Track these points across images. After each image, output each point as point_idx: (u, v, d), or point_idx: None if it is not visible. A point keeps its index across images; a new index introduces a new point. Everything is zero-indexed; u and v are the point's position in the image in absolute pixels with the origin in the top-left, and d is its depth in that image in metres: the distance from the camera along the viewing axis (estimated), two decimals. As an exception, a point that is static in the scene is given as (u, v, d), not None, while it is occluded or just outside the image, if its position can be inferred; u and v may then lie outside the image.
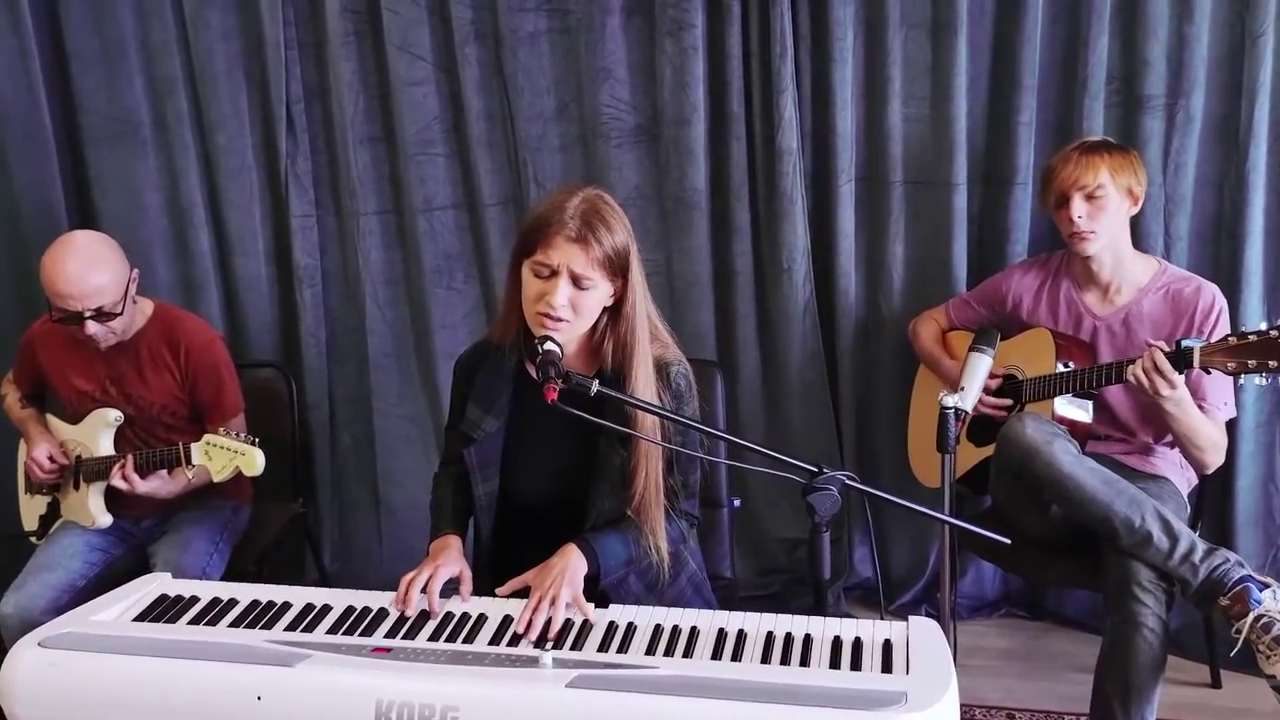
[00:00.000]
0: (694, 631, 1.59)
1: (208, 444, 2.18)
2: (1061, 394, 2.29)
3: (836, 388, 2.91)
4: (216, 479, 2.19)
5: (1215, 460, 2.26)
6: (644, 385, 1.75)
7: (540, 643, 1.57)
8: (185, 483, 2.31)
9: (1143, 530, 2.04)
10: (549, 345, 1.64)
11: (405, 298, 3.08)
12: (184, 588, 1.79)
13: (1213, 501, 2.60)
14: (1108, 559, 2.10)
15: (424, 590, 1.70)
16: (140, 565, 2.39)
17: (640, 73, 2.80)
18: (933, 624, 1.58)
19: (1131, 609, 2.03)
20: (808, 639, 1.56)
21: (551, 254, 1.67)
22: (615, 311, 1.77)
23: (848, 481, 1.55)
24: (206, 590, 1.78)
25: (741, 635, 1.58)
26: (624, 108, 2.81)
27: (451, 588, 1.74)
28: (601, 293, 1.73)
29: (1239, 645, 1.96)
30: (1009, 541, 1.62)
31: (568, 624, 1.62)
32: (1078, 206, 2.26)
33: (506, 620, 1.65)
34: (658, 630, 1.60)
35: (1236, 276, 2.53)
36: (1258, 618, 1.93)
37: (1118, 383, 2.19)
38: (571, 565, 1.72)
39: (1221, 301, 2.27)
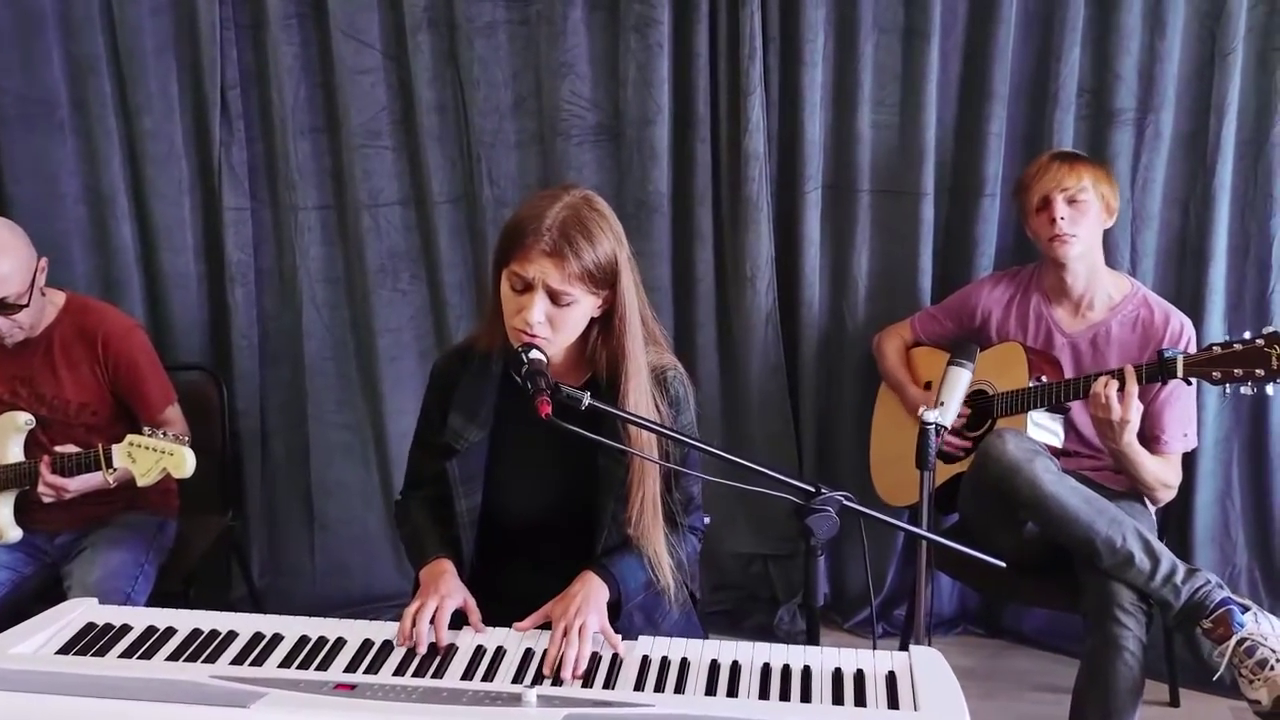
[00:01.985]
0: (684, 664, 1.48)
1: (130, 445, 2.04)
2: (1035, 408, 2.25)
3: (797, 400, 2.84)
4: (142, 483, 2.04)
5: (1164, 497, 2.27)
6: (638, 396, 1.64)
7: (557, 680, 1.44)
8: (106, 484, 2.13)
9: (1124, 551, 2.00)
10: (534, 354, 1.53)
11: (346, 299, 2.91)
12: (113, 615, 1.61)
13: (1173, 519, 2.59)
14: (1087, 580, 2.06)
15: (431, 622, 1.55)
16: (53, 586, 2.20)
17: (603, 69, 2.69)
18: (936, 654, 1.50)
19: (1113, 631, 1.99)
20: (806, 671, 1.46)
21: (527, 267, 1.56)
22: (606, 321, 1.66)
23: (845, 502, 1.48)
24: (139, 618, 1.60)
25: (736, 667, 1.47)
26: (585, 105, 2.70)
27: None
28: (585, 306, 1.61)
29: (1221, 669, 1.93)
30: (1004, 565, 1.56)
31: (594, 658, 1.50)
32: (1060, 208, 2.24)
33: (479, 651, 1.52)
34: (645, 662, 1.49)
35: (1200, 294, 2.54)
36: (1240, 641, 1.92)
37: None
38: (594, 592, 1.60)
39: (1190, 331, 2.27)
